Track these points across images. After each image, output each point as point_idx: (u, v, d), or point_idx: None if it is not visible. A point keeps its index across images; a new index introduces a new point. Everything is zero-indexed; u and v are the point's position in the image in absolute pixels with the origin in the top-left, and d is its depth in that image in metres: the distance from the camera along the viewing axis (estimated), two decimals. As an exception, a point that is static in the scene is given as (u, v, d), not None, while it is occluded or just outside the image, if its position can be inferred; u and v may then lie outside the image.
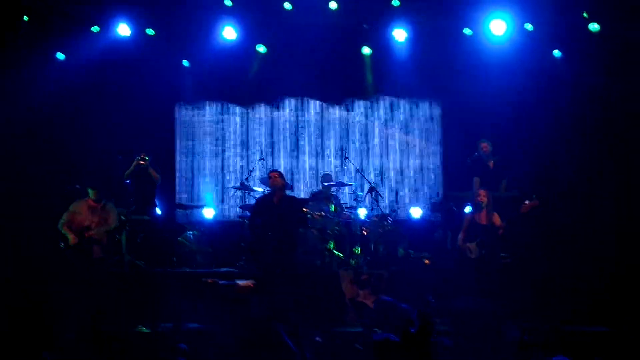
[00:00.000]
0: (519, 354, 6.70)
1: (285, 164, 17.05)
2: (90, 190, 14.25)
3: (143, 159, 15.15)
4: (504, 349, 10.31)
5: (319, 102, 18.20)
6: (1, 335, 9.79)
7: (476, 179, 15.25)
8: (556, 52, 16.36)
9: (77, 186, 14.35)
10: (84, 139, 16.56)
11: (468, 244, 13.75)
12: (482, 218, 13.78)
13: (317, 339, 11.92)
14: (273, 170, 14.32)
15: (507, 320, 11.76)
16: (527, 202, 13.54)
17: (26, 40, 15.96)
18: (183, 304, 13.18)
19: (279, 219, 13.83)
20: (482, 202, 13.83)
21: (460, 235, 13.97)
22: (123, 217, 14.64)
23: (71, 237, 13.88)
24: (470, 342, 10.14)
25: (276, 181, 14.07)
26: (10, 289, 12.96)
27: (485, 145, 15.41)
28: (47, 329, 10.98)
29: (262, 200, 14.51)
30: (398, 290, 12.88)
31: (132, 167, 15.22)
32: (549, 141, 16.14)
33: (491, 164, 15.34)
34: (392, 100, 18.15)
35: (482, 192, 14.08)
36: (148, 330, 12.36)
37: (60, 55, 16.55)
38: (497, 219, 13.76)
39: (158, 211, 15.67)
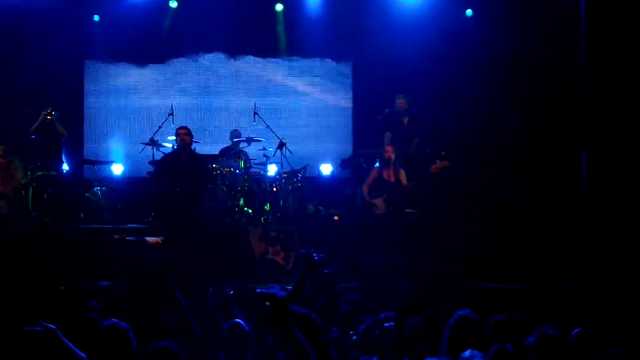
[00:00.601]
0: (400, 314, 6.78)
1: (195, 119, 16.95)
2: None
3: (49, 114, 14.88)
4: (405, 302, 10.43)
5: (230, 58, 18.11)
6: None
7: (388, 134, 15.32)
8: (468, 11, 16.53)
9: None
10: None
11: (374, 200, 13.84)
12: (390, 175, 13.86)
13: (229, 291, 11.91)
14: (181, 127, 14.17)
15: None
16: (438, 161, 13.65)
17: None
18: (92, 261, 13.09)
19: (187, 175, 13.75)
20: (390, 158, 13.90)
21: (364, 188, 14.06)
22: (29, 173, 14.43)
23: None
24: (376, 297, 10.20)
25: (184, 138, 13.95)
26: None
27: (401, 102, 15.47)
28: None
29: (169, 156, 14.39)
30: (307, 247, 12.90)
31: (38, 122, 14.95)
32: (461, 100, 16.27)
33: (405, 120, 15.42)
34: (304, 60, 18.11)
35: (388, 148, 14.15)
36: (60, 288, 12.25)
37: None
38: (403, 176, 13.86)
39: (65, 167, 15.47)
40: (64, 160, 15.36)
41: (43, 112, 14.87)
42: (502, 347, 5.75)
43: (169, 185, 13.59)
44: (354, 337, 7.94)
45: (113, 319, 6.20)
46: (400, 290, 6.81)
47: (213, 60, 18.15)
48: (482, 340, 6.16)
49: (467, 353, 5.64)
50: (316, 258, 7.67)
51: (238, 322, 7.53)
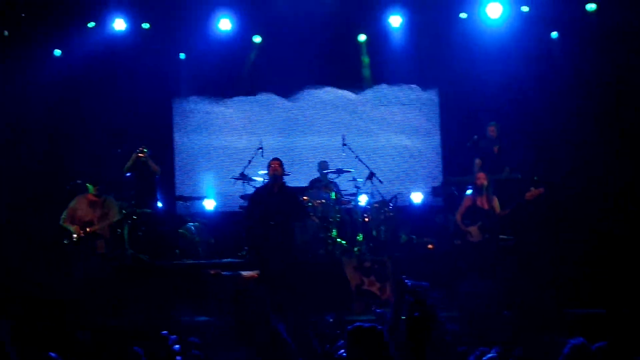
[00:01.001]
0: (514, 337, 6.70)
1: (284, 152, 17.00)
2: (89, 186, 14.12)
3: (142, 152, 15.10)
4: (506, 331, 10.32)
5: (316, 91, 18.18)
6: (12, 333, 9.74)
7: (477, 161, 15.17)
8: (553, 34, 16.37)
9: (78, 181, 14.28)
10: (83, 134, 16.63)
11: (469, 228, 13.71)
12: (483, 202, 13.71)
13: (329, 318, 11.93)
14: (273, 159, 14.23)
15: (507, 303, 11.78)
16: (532, 188, 13.49)
17: (23, 36, 15.97)
18: (189, 297, 13.20)
19: (278, 209, 13.77)
20: (483, 185, 13.76)
21: (458, 216, 13.92)
22: (124, 211, 14.63)
23: (74, 229, 13.74)
24: (475, 325, 10.11)
25: (276, 170, 14.00)
26: (16, 288, 12.97)
27: (492, 129, 15.31)
28: (56, 327, 10.94)
29: (261, 190, 14.44)
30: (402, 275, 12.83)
31: (131, 161, 15.17)
32: (549, 124, 16.07)
33: (496, 148, 15.27)
34: (390, 87, 18.10)
35: (480, 175, 13.96)
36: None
37: (57, 52, 16.61)
38: (496, 203, 13.69)
39: (159, 204, 15.66)
40: (157, 197, 15.54)
41: (136, 151, 15.09)
42: None
43: (261, 219, 13.62)
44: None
45: None
46: (499, 319, 6.70)
47: (298, 93, 18.22)
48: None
49: None
50: (409, 283, 7.69)
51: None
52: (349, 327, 5.14)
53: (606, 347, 6.66)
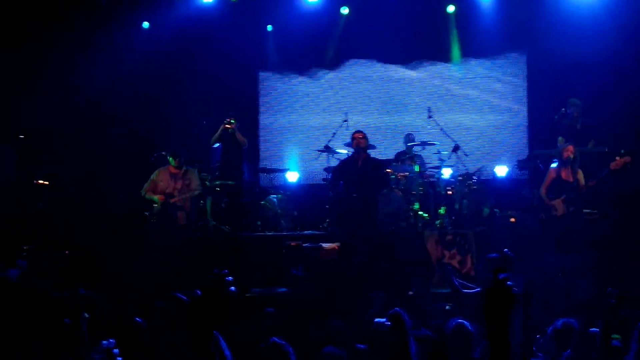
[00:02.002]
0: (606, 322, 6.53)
1: (369, 124, 16.90)
2: (170, 158, 14.27)
3: (229, 123, 15.10)
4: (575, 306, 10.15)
5: (402, 63, 18.06)
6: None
7: (560, 139, 14.86)
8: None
9: (163, 153, 14.41)
10: (170, 106, 16.75)
11: (553, 202, 13.46)
12: (569, 175, 13.43)
13: (410, 292, 11.89)
14: (357, 131, 14.12)
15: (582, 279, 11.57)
16: (618, 158, 13.16)
17: (112, 10, 16.18)
18: (270, 268, 13.26)
19: (363, 181, 13.71)
20: (570, 157, 13.46)
21: (542, 189, 13.65)
22: (207, 183, 14.71)
23: (157, 197, 13.98)
24: (546, 299, 9.94)
25: (360, 142, 13.91)
26: (99, 258, 13.19)
27: (574, 109, 15.01)
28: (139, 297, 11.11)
29: (345, 162, 14.40)
30: (484, 251, 12.67)
31: (219, 132, 15.19)
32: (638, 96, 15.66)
33: (579, 126, 14.94)
34: (477, 61, 17.86)
35: (569, 147, 13.65)
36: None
37: (145, 24, 16.81)
38: (581, 176, 13.39)
39: (244, 176, 15.69)
40: (243, 169, 15.58)
41: (224, 122, 15.12)
42: None
43: (345, 191, 13.57)
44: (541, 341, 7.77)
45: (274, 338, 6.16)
46: (602, 296, 6.53)
47: (385, 66, 18.09)
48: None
49: None
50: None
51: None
52: None
53: None
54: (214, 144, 15.38)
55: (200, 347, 4.06)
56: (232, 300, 4.38)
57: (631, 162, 13.18)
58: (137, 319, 8.59)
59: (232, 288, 5.43)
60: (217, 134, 15.23)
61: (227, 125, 15.10)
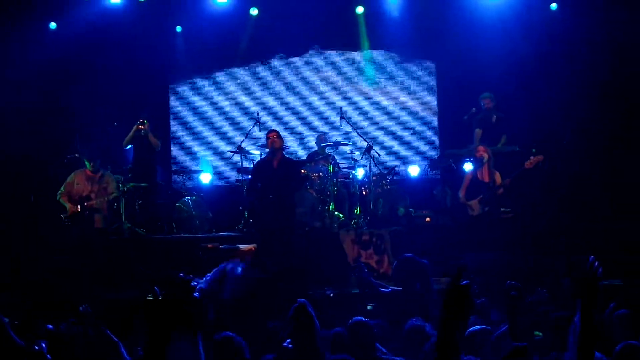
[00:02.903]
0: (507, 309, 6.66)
1: (282, 125, 16.90)
2: (86, 162, 14.07)
3: (142, 124, 14.99)
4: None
5: (313, 61, 18.09)
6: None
7: (477, 131, 15.08)
8: (553, 5, 16.28)
9: (76, 155, 14.19)
10: (79, 109, 16.44)
11: (470, 202, 13.67)
12: (484, 175, 13.66)
13: (329, 293, 11.91)
14: (271, 131, 14.04)
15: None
16: (531, 157, 13.42)
17: (18, 9, 15.86)
18: (186, 271, 13.17)
19: (279, 181, 13.69)
20: (483, 157, 13.69)
21: (461, 192, 13.87)
22: (121, 185, 14.55)
23: (69, 206, 13.77)
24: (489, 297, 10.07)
25: (275, 142, 13.85)
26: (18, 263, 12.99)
27: (487, 101, 15.21)
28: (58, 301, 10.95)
29: (261, 163, 14.35)
30: (400, 250, 12.79)
31: (131, 133, 15.08)
32: (547, 95, 15.99)
33: (494, 118, 15.17)
34: (387, 57, 18.00)
35: (480, 147, 13.90)
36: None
37: (53, 25, 16.51)
38: (498, 176, 13.63)
39: (157, 178, 15.58)
40: (157, 171, 15.47)
41: (137, 123, 14.99)
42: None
43: (262, 192, 13.54)
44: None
45: (227, 332, 6.20)
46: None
47: (295, 65, 18.14)
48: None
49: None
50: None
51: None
52: None
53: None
54: (126, 146, 15.26)
55: (155, 350, 3.99)
56: (196, 306, 4.31)
57: (543, 161, 13.47)
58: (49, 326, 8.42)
59: (196, 294, 5.37)
60: (129, 135, 15.12)
61: (140, 127, 14.99)
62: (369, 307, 10.32)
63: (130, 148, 15.28)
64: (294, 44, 17.85)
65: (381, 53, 18.08)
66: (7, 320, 7.35)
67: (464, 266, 5.25)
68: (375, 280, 10.51)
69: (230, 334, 6.44)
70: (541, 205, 14.29)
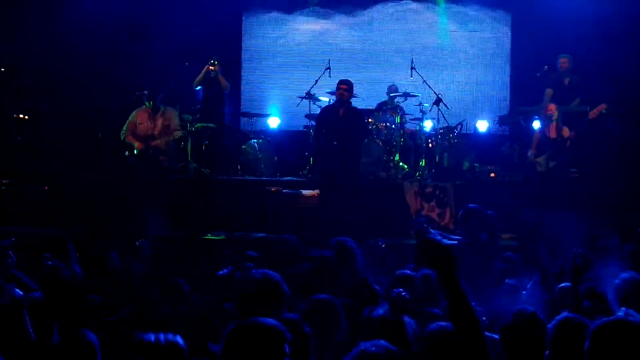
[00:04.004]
0: (574, 277, 6.60)
1: (351, 74, 16.80)
2: (146, 102, 13.95)
3: (213, 64, 15.02)
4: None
5: (388, 10, 17.94)
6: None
7: (549, 91, 14.81)
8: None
9: (145, 92, 14.21)
10: (150, 46, 16.53)
11: (537, 158, 13.54)
12: (552, 131, 13.52)
13: (381, 244, 11.89)
14: (342, 82, 13.95)
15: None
16: (594, 109, 13.26)
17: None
18: (249, 213, 13.33)
19: (344, 130, 13.69)
20: (552, 115, 13.54)
21: (531, 151, 13.75)
22: (188, 125, 14.63)
23: (137, 144, 13.65)
24: (534, 255, 10.01)
25: (343, 94, 13.79)
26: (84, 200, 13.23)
27: (564, 61, 14.92)
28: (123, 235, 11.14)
29: (327, 109, 14.33)
30: (463, 204, 12.73)
31: (202, 74, 15.12)
32: (626, 60, 15.60)
33: (566, 81, 14.94)
34: (462, 11, 17.80)
35: (551, 106, 13.76)
36: (219, 237, 12.54)
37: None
38: (566, 131, 13.48)
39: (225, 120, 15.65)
40: (224, 113, 15.52)
41: (208, 63, 15.04)
42: None
43: (326, 139, 13.55)
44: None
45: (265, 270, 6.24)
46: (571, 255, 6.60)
47: (369, 13, 18.00)
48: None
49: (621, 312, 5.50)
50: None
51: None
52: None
53: None
54: (196, 87, 15.31)
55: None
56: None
57: (607, 109, 13.29)
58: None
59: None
60: (200, 76, 15.17)
61: (210, 67, 15.03)
62: (382, 244, 10.25)
63: (199, 89, 15.33)
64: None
65: (454, 7, 17.84)
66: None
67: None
68: (437, 231, 10.47)
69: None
70: (609, 167, 14.08)
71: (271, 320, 4.31)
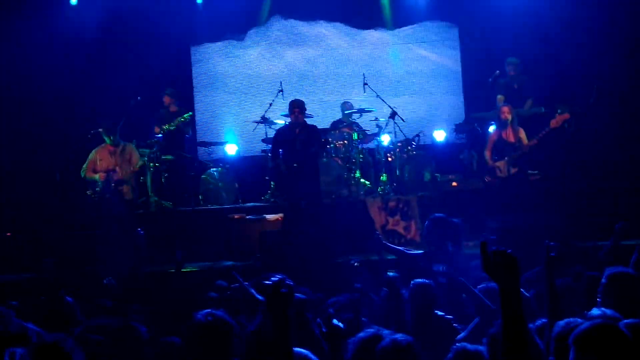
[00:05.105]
0: (546, 270, 6.59)
1: (305, 94, 16.81)
2: (105, 138, 13.99)
3: (187, 118, 15.27)
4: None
5: (336, 32, 17.96)
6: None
7: (500, 97, 14.91)
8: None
9: (100, 130, 14.12)
10: (100, 83, 16.42)
11: (497, 163, 13.57)
12: (509, 135, 13.55)
13: (354, 262, 11.84)
14: (294, 104, 13.96)
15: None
16: (557, 115, 13.29)
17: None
18: (214, 242, 13.25)
19: (301, 149, 13.68)
20: (507, 119, 13.57)
21: (487, 153, 13.76)
22: (146, 158, 14.53)
23: (98, 175, 13.71)
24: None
25: (298, 117, 13.84)
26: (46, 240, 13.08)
27: (511, 68, 15.06)
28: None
29: (283, 130, 14.34)
30: (427, 216, 12.74)
31: (174, 125, 15.12)
32: (573, 56, 15.75)
33: (516, 85, 15.01)
34: (411, 27, 17.88)
35: (505, 108, 13.75)
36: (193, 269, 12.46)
37: (73, 1, 16.52)
38: (523, 135, 13.51)
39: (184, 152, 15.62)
40: (184, 144, 15.57)
41: (179, 118, 15.15)
42: None
43: (285, 161, 13.52)
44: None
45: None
46: (543, 250, 6.57)
47: (319, 35, 18.01)
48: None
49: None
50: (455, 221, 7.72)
51: None
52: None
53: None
54: (160, 133, 15.24)
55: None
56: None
57: (569, 120, 13.35)
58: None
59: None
60: (171, 126, 15.09)
61: (182, 120, 15.15)
62: (355, 263, 10.20)
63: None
64: (317, 13, 17.74)
65: (405, 27, 17.91)
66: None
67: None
68: (395, 246, 10.59)
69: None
70: (568, 167, 14.16)
71: None
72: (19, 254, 13.06)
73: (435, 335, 6.74)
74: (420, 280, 7.60)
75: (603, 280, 6.34)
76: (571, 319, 5.04)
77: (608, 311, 5.47)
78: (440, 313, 6.88)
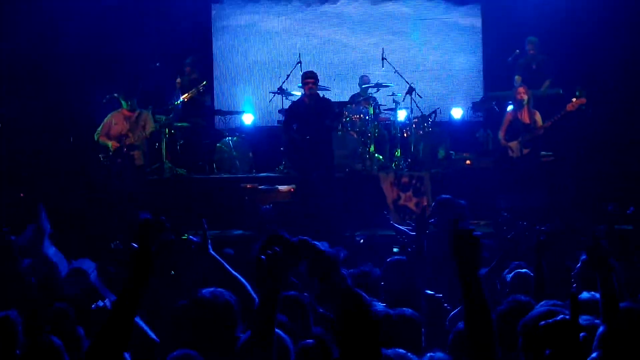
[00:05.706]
0: (536, 255, 6.57)
1: (323, 66, 16.77)
2: (122, 101, 13.98)
3: (202, 87, 15.26)
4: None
5: (358, 5, 17.89)
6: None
7: (518, 77, 14.88)
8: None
9: (115, 95, 14.12)
10: (122, 47, 16.39)
11: (510, 143, 13.52)
12: (524, 116, 13.49)
13: (359, 239, 11.90)
14: (307, 75, 13.86)
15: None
16: (574, 99, 13.23)
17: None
18: (226, 210, 13.27)
19: (315, 121, 13.64)
20: (523, 100, 13.50)
21: (501, 133, 13.72)
22: (158, 125, 14.49)
23: (111, 143, 13.65)
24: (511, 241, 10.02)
25: (311, 87, 13.77)
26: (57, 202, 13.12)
27: (530, 47, 15.02)
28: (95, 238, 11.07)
29: (296, 103, 14.28)
30: (439, 193, 12.72)
31: (190, 94, 15.11)
32: (594, 39, 15.62)
33: (534, 65, 14.95)
34: (432, 3, 17.80)
35: (521, 89, 13.68)
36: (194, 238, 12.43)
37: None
38: (538, 117, 13.45)
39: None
40: (200, 112, 15.59)
41: (197, 87, 15.16)
42: None
43: (299, 133, 13.50)
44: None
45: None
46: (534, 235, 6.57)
47: (340, 4, 17.95)
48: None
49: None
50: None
51: None
52: None
53: None
54: (179, 104, 15.26)
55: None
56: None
57: (586, 104, 13.27)
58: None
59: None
60: (187, 96, 15.09)
61: (200, 89, 15.13)
62: (395, 250, 10.28)
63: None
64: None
65: (427, 4, 17.84)
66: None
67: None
68: (401, 227, 10.66)
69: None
70: (582, 149, 14.09)
71: None
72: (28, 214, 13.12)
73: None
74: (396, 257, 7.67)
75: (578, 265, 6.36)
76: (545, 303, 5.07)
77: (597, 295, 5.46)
78: (429, 292, 6.87)
